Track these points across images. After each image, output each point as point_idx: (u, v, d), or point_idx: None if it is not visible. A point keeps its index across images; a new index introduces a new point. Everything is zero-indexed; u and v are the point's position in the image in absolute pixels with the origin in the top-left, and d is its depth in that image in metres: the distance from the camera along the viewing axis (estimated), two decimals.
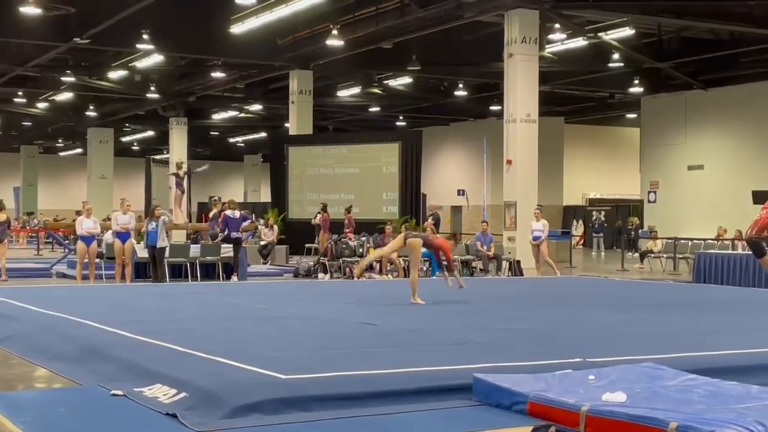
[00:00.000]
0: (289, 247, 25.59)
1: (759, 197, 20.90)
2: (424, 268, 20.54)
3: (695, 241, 23.89)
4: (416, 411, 5.91)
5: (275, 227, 24.70)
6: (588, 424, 5.34)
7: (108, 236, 18.41)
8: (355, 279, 13.91)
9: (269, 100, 36.80)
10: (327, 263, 20.06)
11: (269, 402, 5.76)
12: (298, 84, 30.21)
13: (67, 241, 26.55)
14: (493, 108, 33.48)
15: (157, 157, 45.56)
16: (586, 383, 6.10)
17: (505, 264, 21.09)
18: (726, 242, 22.31)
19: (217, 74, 31.90)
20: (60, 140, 53.98)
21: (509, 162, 21.49)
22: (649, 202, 33.37)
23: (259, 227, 24.78)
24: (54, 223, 38.68)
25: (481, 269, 21.02)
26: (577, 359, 7.11)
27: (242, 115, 42.23)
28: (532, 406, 5.75)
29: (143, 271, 17.94)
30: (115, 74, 32.92)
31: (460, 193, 36.11)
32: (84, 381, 7.04)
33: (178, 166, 24.57)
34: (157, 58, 29.71)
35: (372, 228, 22.96)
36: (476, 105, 36.31)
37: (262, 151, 53.67)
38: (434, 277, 17.79)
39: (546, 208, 24.71)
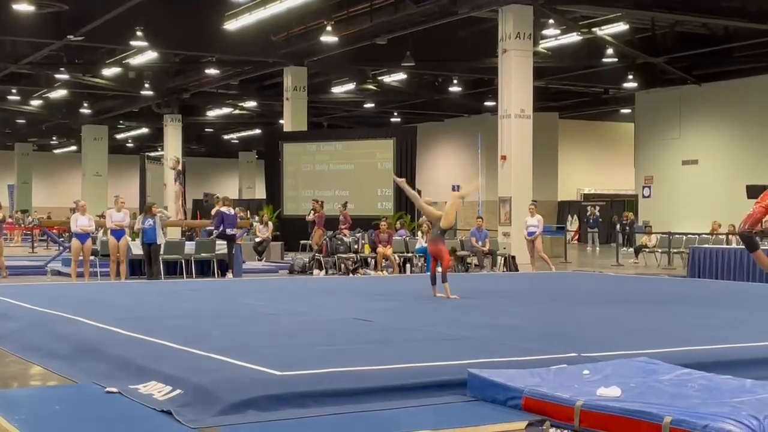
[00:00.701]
0: (284, 243, 25.62)
1: (753, 192, 20.89)
2: (420, 265, 20.62)
3: (690, 236, 23.93)
4: (411, 407, 5.91)
5: (270, 224, 24.70)
6: (583, 419, 5.36)
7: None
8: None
9: (263, 96, 36.73)
10: (322, 259, 20.09)
11: (264, 398, 5.76)
12: (293, 80, 30.16)
13: (62, 239, 26.50)
14: (488, 104, 33.43)
15: (152, 154, 45.59)
16: (581, 378, 6.11)
17: (500, 259, 21.12)
18: (720, 237, 22.35)
19: (211, 71, 31.85)
20: (54, 138, 53.86)
21: (504, 158, 21.48)
22: (643, 197, 33.38)
23: (254, 224, 24.77)
24: (48, 220, 38.50)
25: (476, 265, 21.07)
26: (572, 354, 7.12)
27: (237, 111, 42.13)
28: (527, 401, 5.75)
29: (138, 268, 17.94)
30: (109, 71, 32.83)
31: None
32: (78, 378, 7.04)
33: (177, 161, 24.56)
34: (151, 55, 29.64)
35: (367, 224, 22.97)
36: (470, 101, 36.26)
37: (256, 148, 53.60)
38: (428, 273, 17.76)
39: (541, 204, 24.78)
